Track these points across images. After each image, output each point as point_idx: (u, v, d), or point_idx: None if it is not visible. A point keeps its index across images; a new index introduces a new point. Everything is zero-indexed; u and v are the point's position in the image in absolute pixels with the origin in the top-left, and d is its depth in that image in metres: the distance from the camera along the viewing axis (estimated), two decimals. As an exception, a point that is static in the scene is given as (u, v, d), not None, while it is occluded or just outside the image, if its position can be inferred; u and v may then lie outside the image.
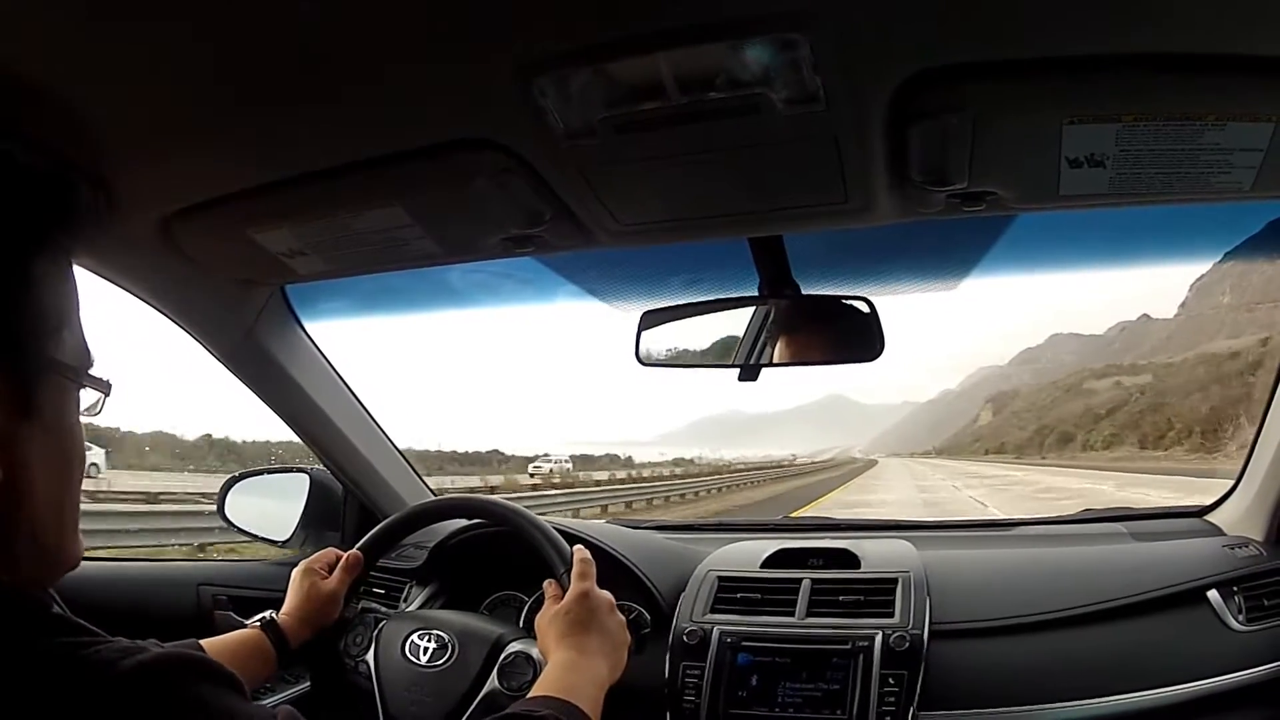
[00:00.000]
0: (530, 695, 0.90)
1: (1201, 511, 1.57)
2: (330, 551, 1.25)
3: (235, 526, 1.60)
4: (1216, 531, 1.49)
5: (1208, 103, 0.77)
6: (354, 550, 1.25)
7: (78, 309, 0.63)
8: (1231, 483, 1.52)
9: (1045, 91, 0.76)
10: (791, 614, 1.29)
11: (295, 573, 1.21)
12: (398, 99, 0.80)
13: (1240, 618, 1.22)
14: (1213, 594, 1.24)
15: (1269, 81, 0.74)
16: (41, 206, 0.59)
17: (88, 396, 0.64)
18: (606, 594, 1.07)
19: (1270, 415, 1.35)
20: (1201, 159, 0.84)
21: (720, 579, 1.38)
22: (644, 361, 1.24)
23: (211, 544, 7.46)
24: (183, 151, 0.89)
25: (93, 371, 0.64)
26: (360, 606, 1.28)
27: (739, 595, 1.34)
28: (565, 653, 0.97)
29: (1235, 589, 1.24)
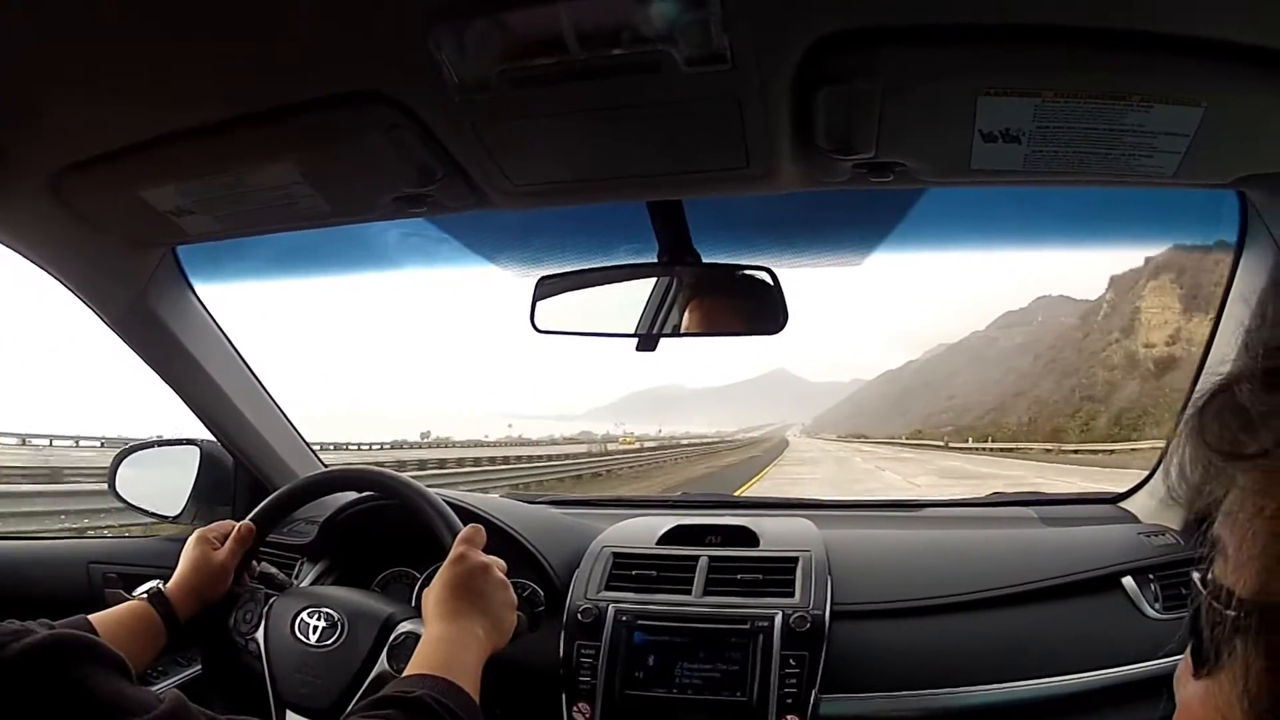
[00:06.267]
0: (405, 674, 0.87)
1: (1116, 499, 1.56)
2: (228, 523, 1.22)
3: (126, 502, 1.55)
4: (1131, 519, 1.48)
5: (1133, 82, 0.75)
6: (246, 521, 1.22)
7: None
8: (1147, 471, 1.51)
9: (961, 60, 0.75)
10: (689, 592, 1.26)
11: (189, 541, 1.17)
12: (288, 47, 0.77)
13: (1157, 606, 1.21)
14: (1127, 581, 1.23)
15: (1201, 64, 0.72)
16: None
17: None
18: (489, 558, 1.04)
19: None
20: (1124, 141, 0.83)
21: (615, 555, 1.35)
22: (539, 329, 1.21)
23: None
24: (71, 102, 0.86)
25: None
26: (260, 571, 1.26)
27: (634, 572, 1.31)
28: (439, 625, 0.94)
29: (1151, 577, 1.23)
